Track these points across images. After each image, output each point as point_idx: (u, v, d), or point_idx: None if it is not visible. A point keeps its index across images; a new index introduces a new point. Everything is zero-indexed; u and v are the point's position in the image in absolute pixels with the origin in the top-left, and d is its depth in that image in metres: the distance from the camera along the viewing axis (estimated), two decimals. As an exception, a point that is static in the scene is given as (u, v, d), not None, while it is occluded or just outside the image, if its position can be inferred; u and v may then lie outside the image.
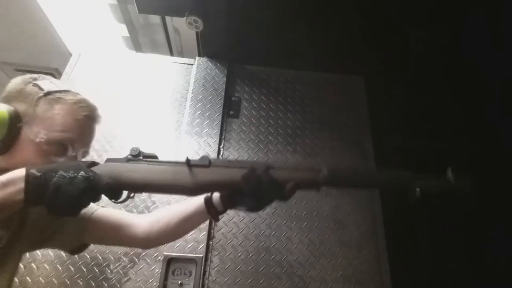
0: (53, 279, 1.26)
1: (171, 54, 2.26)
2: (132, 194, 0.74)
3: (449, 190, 0.74)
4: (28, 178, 0.62)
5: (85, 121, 0.82)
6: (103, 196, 0.69)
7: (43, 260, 1.29)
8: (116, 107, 1.66)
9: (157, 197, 1.45)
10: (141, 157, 0.76)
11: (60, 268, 1.28)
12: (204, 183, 0.74)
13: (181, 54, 2.25)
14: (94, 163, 0.72)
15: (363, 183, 0.83)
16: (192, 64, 1.84)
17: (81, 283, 1.26)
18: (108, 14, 2.00)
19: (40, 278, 1.26)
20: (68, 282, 1.26)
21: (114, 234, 0.92)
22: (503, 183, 2.13)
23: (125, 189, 0.73)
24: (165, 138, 1.61)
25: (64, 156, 0.78)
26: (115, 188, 0.69)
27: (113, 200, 0.70)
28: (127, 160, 0.75)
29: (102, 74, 1.77)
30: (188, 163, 0.74)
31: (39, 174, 0.62)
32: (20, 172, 0.63)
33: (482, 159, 2.23)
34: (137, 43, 2.22)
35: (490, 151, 2.31)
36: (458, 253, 2.21)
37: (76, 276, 1.27)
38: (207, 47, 1.80)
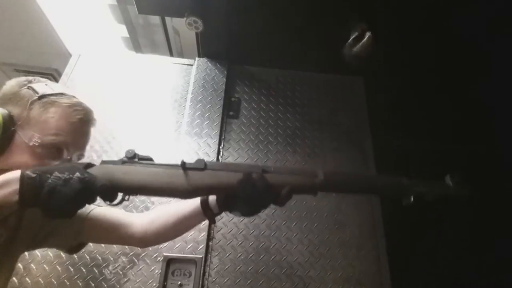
0: (53, 280, 1.26)
1: (171, 54, 2.26)
2: (126, 197, 0.74)
3: (446, 197, 0.74)
4: (23, 179, 0.62)
5: (79, 124, 0.82)
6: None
7: (42, 261, 1.29)
8: (115, 107, 1.66)
9: (156, 198, 1.44)
10: (137, 159, 0.75)
11: (59, 268, 1.28)
12: (199, 186, 0.73)
13: (180, 54, 2.25)
14: (90, 165, 0.72)
15: (359, 189, 0.83)
16: (191, 65, 1.84)
17: (80, 284, 1.26)
18: (108, 15, 2.00)
19: (40, 279, 1.25)
20: (68, 283, 1.26)
21: (111, 233, 0.92)
22: (502, 183, 2.13)
23: (120, 191, 0.72)
24: (164, 139, 1.61)
25: (59, 159, 0.78)
26: (110, 190, 0.69)
27: (107, 202, 0.70)
28: (123, 162, 0.74)
29: (102, 74, 1.77)
30: (183, 166, 0.74)
31: (34, 175, 0.62)
32: (16, 173, 0.63)
33: (481, 159, 2.23)
34: (136, 44, 2.22)
35: (489, 151, 2.31)
36: (458, 253, 2.21)
37: (75, 277, 1.27)
38: (206, 47, 1.80)
